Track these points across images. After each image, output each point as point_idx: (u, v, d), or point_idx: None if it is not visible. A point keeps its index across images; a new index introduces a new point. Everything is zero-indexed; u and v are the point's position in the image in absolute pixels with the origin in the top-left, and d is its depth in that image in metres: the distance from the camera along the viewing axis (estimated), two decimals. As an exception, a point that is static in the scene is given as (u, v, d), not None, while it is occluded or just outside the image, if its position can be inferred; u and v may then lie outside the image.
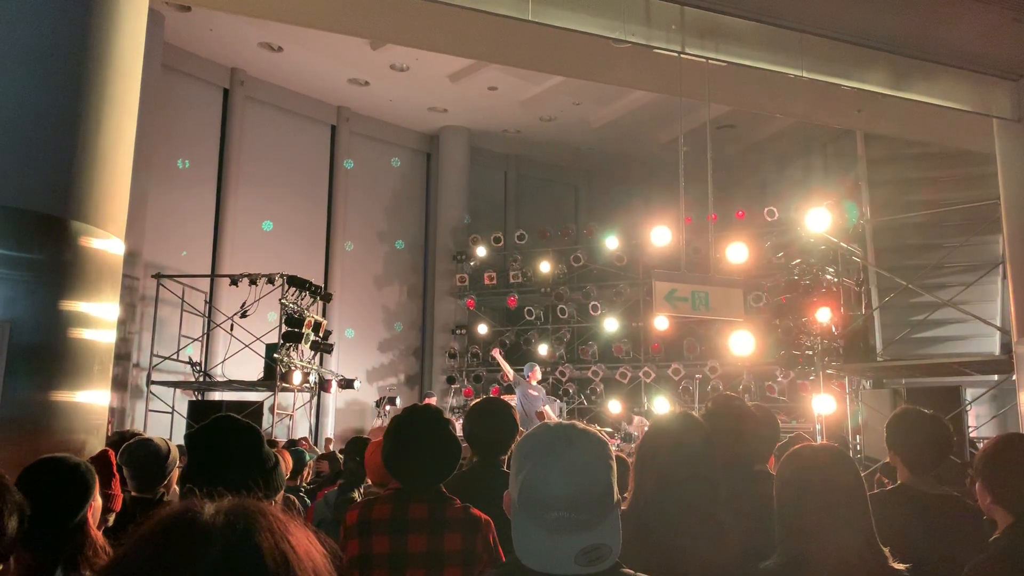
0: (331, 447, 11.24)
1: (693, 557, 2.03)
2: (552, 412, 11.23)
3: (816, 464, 2.09)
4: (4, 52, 3.60)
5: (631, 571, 1.49)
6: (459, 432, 4.49)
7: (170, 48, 12.65)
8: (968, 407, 9.17)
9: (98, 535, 2.30)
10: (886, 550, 1.99)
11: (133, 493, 3.10)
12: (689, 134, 7.59)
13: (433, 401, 13.20)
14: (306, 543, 0.85)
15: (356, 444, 4.50)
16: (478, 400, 3.52)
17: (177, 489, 3.81)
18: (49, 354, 3.48)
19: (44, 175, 3.59)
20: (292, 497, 4.82)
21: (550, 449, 1.48)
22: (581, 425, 1.57)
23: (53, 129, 3.66)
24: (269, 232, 14.46)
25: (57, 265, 3.55)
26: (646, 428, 2.50)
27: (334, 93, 15.47)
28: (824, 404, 9.85)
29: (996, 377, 9.64)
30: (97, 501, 2.40)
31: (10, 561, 2.20)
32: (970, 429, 9.39)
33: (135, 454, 3.13)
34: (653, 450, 2.28)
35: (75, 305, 3.57)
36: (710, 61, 6.58)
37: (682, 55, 6.40)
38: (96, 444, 3.59)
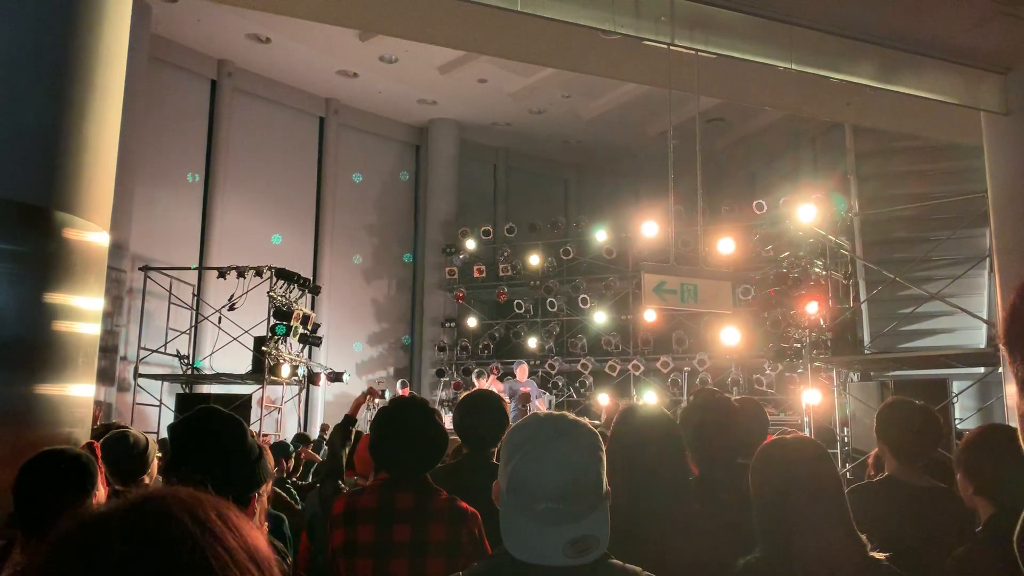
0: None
1: (673, 550, 2.03)
2: (543, 404, 11.28)
3: (800, 457, 2.08)
4: (-14, 40, 3.55)
5: (619, 562, 1.48)
6: (448, 425, 4.48)
7: (157, 39, 12.54)
8: (955, 399, 9.23)
9: None
10: (863, 537, 2.00)
11: (116, 487, 3.08)
12: (678, 127, 7.59)
13: (407, 392, 13.22)
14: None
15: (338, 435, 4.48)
16: (469, 392, 3.51)
17: (161, 480, 3.80)
18: (33, 346, 3.45)
19: (27, 164, 3.55)
20: (280, 491, 4.79)
21: (540, 440, 1.47)
22: (571, 416, 1.56)
23: (37, 118, 3.62)
24: (257, 224, 14.37)
25: (41, 256, 3.51)
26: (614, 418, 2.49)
27: (323, 85, 15.39)
28: (812, 397, 9.89)
29: (983, 369, 9.70)
30: (100, 491, 2.40)
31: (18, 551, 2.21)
32: (956, 421, 9.45)
33: (113, 448, 3.12)
34: (627, 444, 2.27)
35: (59, 297, 3.54)
36: (699, 53, 6.57)
37: (671, 47, 6.39)
38: (81, 436, 3.56)
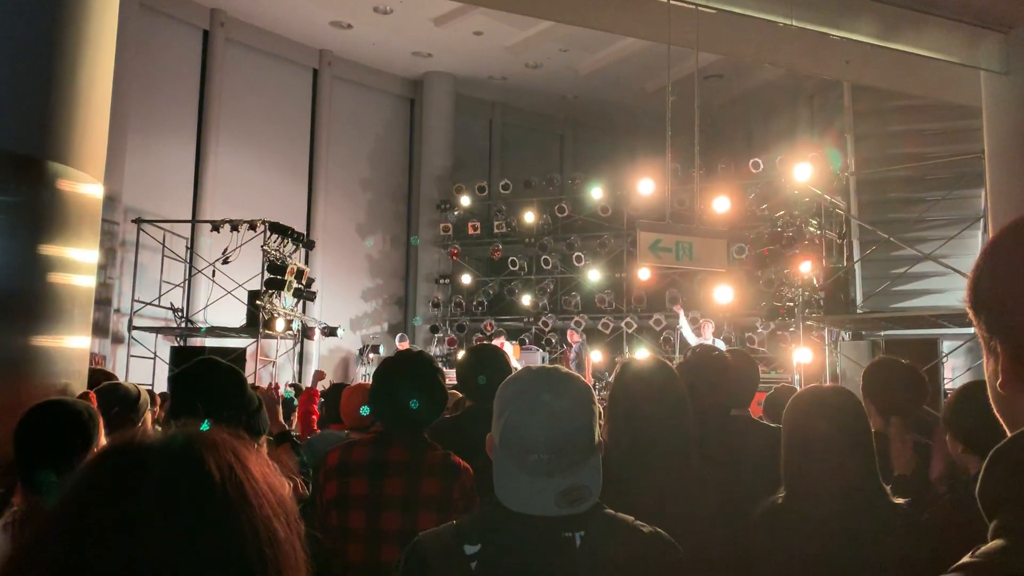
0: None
1: (673, 505, 2.06)
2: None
3: (832, 402, 2.13)
4: (-26, -14, 3.49)
5: (611, 512, 1.51)
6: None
7: (148, -13, 12.33)
8: (945, 359, 9.31)
9: None
10: (887, 488, 2.06)
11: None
12: (676, 84, 7.52)
13: (406, 345, 13.27)
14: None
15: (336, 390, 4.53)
16: (473, 346, 3.53)
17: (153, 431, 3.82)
18: (27, 299, 3.44)
19: (19, 114, 3.51)
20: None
21: (532, 392, 1.49)
22: (564, 370, 1.58)
23: (28, 67, 3.57)
24: (251, 177, 14.27)
25: (34, 207, 3.49)
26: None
27: (316, 36, 15.18)
28: (803, 355, 9.97)
29: (973, 330, 9.77)
30: (102, 443, 2.40)
31: (18, 502, 2.22)
32: (946, 381, 9.55)
33: (104, 398, 3.12)
34: (628, 399, 2.28)
35: (54, 249, 3.53)
36: (699, 8, 6.50)
37: (671, 1, 6.32)
38: (77, 388, 3.58)
